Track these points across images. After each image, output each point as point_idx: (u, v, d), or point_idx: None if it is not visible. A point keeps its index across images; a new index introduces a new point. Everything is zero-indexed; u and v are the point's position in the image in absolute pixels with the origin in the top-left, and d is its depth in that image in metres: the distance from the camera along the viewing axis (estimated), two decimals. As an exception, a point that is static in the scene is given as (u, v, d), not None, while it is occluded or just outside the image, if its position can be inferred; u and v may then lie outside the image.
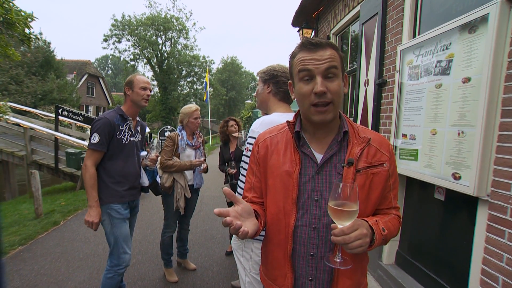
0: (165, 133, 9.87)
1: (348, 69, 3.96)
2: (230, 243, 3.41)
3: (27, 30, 4.28)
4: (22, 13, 4.05)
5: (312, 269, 0.90)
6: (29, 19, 4.19)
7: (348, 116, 3.96)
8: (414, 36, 2.36)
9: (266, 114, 1.54)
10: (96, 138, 1.84)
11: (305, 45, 0.86)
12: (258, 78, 1.58)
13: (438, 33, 1.88)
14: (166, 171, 2.61)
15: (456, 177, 1.71)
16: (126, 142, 1.97)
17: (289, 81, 0.97)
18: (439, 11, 2.16)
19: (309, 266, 0.90)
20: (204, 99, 19.29)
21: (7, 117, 7.11)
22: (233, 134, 3.19)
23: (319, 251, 0.88)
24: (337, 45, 4.28)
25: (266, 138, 1.02)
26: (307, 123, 0.94)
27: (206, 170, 2.79)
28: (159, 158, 2.47)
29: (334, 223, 0.80)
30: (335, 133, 0.92)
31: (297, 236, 0.90)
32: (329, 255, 0.86)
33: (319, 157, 0.91)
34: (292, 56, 0.90)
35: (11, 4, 3.80)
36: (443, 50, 1.86)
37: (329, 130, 0.92)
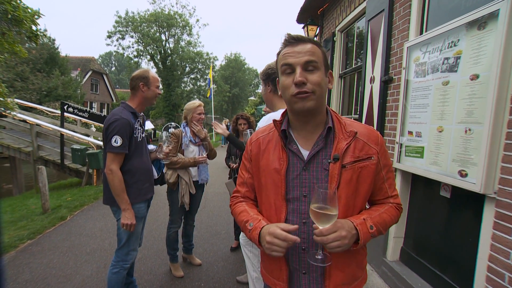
0: (169, 130, 9.93)
1: (353, 66, 3.94)
2: (235, 239, 3.46)
3: (34, 27, 4.32)
4: (29, 10, 4.08)
5: (304, 262, 0.92)
6: (36, 16, 4.22)
7: (353, 113, 3.95)
8: (421, 33, 2.34)
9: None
10: (118, 140, 1.79)
11: (288, 40, 0.89)
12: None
13: (446, 29, 1.87)
14: (170, 168, 2.64)
15: (463, 174, 1.70)
16: (140, 140, 1.98)
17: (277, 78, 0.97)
18: (447, 7, 2.13)
19: (302, 260, 0.92)
20: (208, 96, 19.26)
21: (14, 113, 7.18)
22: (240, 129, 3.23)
23: (310, 245, 0.91)
24: (342, 42, 4.30)
25: (259, 137, 1.03)
26: (294, 119, 0.95)
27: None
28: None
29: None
30: (321, 129, 0.93)
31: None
32: (313, 252, 0.89)
33: (305, 153, 0.92)
34: (278, 53, 0.93)
35: (18, 1, 3.83)
36: (450, 47, 1.84)
37: (315, 127, 0.93)
